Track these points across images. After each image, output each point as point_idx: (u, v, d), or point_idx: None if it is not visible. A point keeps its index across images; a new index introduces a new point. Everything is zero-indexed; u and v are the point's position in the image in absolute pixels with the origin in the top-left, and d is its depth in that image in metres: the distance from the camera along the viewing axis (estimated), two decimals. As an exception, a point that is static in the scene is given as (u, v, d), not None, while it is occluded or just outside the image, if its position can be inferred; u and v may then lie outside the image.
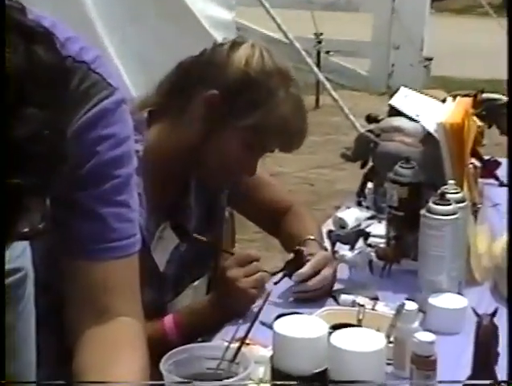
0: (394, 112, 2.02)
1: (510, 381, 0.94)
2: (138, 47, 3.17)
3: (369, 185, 1.94)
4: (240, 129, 1.38)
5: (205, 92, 1.37)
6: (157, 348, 1.04)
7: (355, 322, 1.30)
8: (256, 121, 1.37)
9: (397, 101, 1.79)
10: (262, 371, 1.18)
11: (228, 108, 1.36)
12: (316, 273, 1.46)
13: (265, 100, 1.37)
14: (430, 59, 6.02)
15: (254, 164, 1.44)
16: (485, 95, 2.06)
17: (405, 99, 1.84)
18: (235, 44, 1.40)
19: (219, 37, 3.02)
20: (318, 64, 5.62)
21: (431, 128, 1.66)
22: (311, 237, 1.55)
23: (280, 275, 1.50)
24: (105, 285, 0.98)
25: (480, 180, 1.89)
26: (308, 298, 1.46)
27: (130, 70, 3.04)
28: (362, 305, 1.35)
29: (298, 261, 1.47)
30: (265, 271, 1.44)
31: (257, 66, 1.37)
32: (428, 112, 1.76)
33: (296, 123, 1.41)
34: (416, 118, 1.73)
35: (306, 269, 1.45)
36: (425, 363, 1.16)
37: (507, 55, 1.46)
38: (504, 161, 2.04)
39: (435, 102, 1.88)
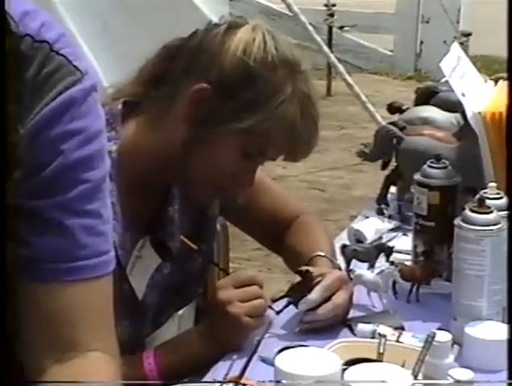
0: (422, 100, 2.05)
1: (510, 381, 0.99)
2: (109, 22, 3.19)
3: (392, 189, 1.96)
4: (235, 133, 1.38)
5: (193, 84, 1.38)
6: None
7: (375, 357, 1.31)
8: (255, 123, 1.37)
9: (447, 64, 1.73)
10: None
11: (220, 106, 1.37)
12: (327, 298, 1.48)
13: (266, 98, 1.37)
14: (468, 35, 6.05)
15: (251, 175, 1.45)
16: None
17: (457, 63, 1.77)
18: (232, 26, 1.40)
19: (208, 10, 3.05)
20: (329, 42, 5.66)
21: (470, 117, 1.67)
22: (322, 254, 1.57)
23: (283, 302, 1.51)
24: (70, 313, 0.99)
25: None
26: (318, 329, 1.48)
27: (99, 54, 3.06)
28: (384, 336, 1.37)
29: (305, 285, 1.48)
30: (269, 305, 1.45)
31: (257, 55, 1.37)
32: (473, 94, 1.73)
33: (305, 127, 1.41)
34: (462, 99, 1.70)
35: (315, 295, 1.46)
36: (461, 407, 1.18)
37: (507, 55, 1.50)
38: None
39: (481, 81, 1.87)
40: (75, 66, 0.98)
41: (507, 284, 1.38)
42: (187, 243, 1.47)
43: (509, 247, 1.40)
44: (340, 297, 1.47)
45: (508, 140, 1.57)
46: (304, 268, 1.51)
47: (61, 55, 0.97)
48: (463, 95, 1.70)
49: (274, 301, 1.52)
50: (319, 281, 1.48)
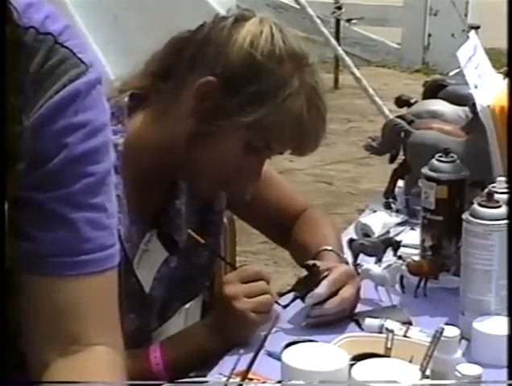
0: (431, 93, 2.04)
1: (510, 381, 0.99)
2: (117, 15, 3.19)
3: (400, 183, 1.95)
4: (241, 127, 1.37)
5: (199, 77, 1.37)
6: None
7: (382, 352, 1.31)
8: (262, 117, 1.36)
9: (464, 53, 1.71)
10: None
11: (227, 99, 1.36)
12: (335, 292, 1.47)
13: (273, 92, 1.36)
14: (476, 28, 6.01)
15: (258, 169, 1.44)
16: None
17: (473, 52, 1.76)
18: (239, 19, 1.39)
19: (216, 3, 3.05)
20: (337, 35, 5.64)
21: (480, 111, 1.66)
22: (329, 248, 1.56)
23: (290, 296, 1.51)
24: (74, 307, 0.99)
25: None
26: (325, 323, 1.47)
27: (105, 46, 3.05)
28: (391, 331, 1.36)
29: (312, 279, 1.48)
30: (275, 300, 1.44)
31: (264, 48, 1.36)
32: (485, 87, 1.72)
33: (312, 121, 1.40)
34: (473, 91, 1.68)
35: (322, 289, 1.46)
36: (469, 402, 1.18)
37: (507, 55, 1.49)
38: None
39: (493, 73, 1.86)
40: (79, 58, 0.97)
41: (507, 278, 1.38)
42: (194, 236, 1.47)
43: (509, 242, 1.39)
44: (347, 292, 1.47)
45: (509, 135, 1.56)
46: (311, 262, 1.50)
47: (65, 47, 0.96)
48: (475, 87, 1.69)
49: (281, 295, 1.51)
50: (326, 276, 1.47)
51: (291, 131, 1.40)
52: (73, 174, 0.98)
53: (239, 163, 1.40)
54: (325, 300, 1.47)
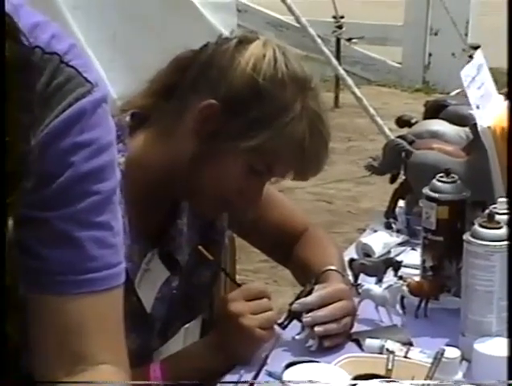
0: (432, 113, 2.05)
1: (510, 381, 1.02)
2: (117, 32, 3.20)
3: (401, 203, 1.96)
4: (243, 151, 1.38)
5: (202, 100, 1.38)
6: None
7: (383, 373, 1.31)
8: (263, 142, 1.37)
9: (468, 72, 1.72)
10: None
11: (229, 123, 1.37)
12: (327, 305, 1.46)
13: (275, 116, 1.37)
14: (476, 48, 6.02)
15: (259, 192, 1.44)
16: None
17: (477, 72, 1.76)
18: (243, 42, 1.39)
19: (217, 21, 3.06)
20: (338, 54, 5.66)
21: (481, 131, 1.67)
22: (333, 267, 1.56)
23: (286, 315, 1.50)
24: (80, 326, 0.99)
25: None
26: (324, 344, 1.46)
27: (107, 64, 3.06)
28: (392, 352, 1.36)
29: (307, 295, 1.49)
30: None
31: (267, 72, 1.36)
32: (487, 107, 1.73)
33: (314, 146, 1.41)
34: (475, 111, 1.69)
35: (310, 298, 1.46)
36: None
37: (507, 57, 1.50)
38: None
39: (496, 93, 1.87)
40: (85, 78, 0.98)
41: (507, 298, 1.38)
42: (203, 252, 1.47)
43: (509, 262, 1.40)
44: (340, 303, 1.47)
45: (509, 155, 1.57)
46: (312, 281, 1.51)
47: (71, 66, 0.97)
48: (477, 107, 1.69)
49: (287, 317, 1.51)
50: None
51: (292, 156, 1.40)
52: (79, 193, 0.98)
53: (240, 186, 1.41)
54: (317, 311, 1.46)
